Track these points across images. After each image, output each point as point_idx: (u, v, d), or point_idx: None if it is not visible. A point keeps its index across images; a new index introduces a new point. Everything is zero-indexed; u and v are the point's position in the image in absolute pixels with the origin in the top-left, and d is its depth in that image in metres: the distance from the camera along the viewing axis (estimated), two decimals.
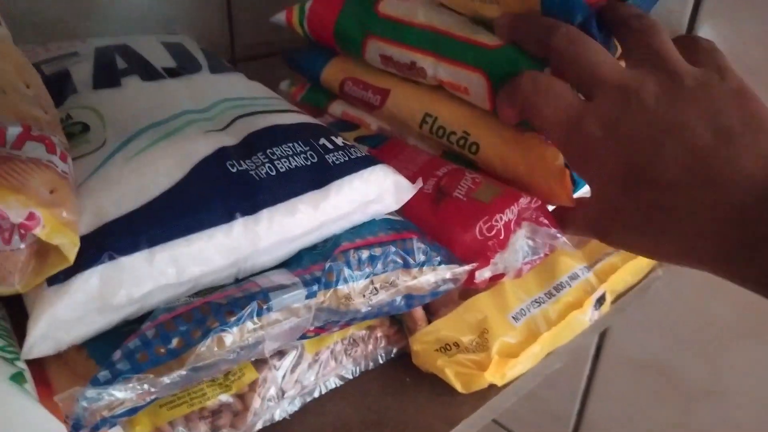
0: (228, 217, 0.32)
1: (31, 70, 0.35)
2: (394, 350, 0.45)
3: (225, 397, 0.37)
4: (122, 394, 0.27)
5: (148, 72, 0.41)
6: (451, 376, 0.40)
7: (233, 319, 0.31)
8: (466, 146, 0.48)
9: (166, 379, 0.29)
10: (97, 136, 0.36)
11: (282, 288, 0.33)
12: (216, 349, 0.30)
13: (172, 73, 0.42)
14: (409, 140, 0.54)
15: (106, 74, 0.41)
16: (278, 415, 0.39)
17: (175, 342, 0.30)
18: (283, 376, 0.39)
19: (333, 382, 0.42)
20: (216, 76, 0.43)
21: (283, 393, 0.39)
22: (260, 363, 0.39)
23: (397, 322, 0.45)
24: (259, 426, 0.38)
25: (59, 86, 0.39)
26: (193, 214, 0.32)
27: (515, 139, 0.46)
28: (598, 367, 0.68)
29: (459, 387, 0.41)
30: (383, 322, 0.44)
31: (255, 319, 0.31)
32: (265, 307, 0.32)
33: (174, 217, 0.31)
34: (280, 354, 0.39)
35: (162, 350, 0.29)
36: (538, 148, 0.45)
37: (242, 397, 0.38)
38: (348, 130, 0.55)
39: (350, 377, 0.43)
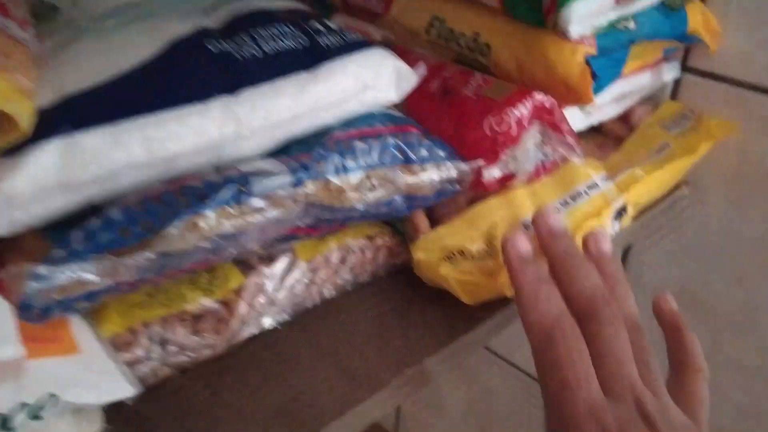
0: (204, 96, 0.29)
1: None
2: (395, 263, 0.42)
3: (208, 302, 0.34)
4: (77, 274, 0.25)
5: None
6: (455, 285, 0.37)
7: (208, 201, 0.28)
8: (477, 48, 0.45)
9: (129, 261, 0.26)
10: (67, 15, 0.33)
11: (265, 173, 0.30)
12: (189, 234, 0.27)
13: None
14: (417, 50, 0.50)
15: None
16: (267, 324, 0.36)
17: (142, 224, 0.27)
18: (273, 283, 0.36)
19: (328, 293, 0.39)
20: None
21: (273, 301, 0.36)
22: (247, 268, 0.36)
23: (399, 233, 0.41)
24: (245, 334, 0.36)
25: None
26: (166, 91, 0.29)
27: (530, 36, 0.42)
28: None
29: (465, 298, 0.37)
30: (383, 232, 0.41)
31: (234, 204, 0.28)
32: (245, 191, 0.29)
33: (143, 93, 0.28)
34: (270, 259, 0.36)
35: (127, 232, 0.26)
36: (555, 44, 0.41)
37: (227, 304, 0.35)
38: None
39: (348, 288, 0.40)
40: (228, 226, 0.28)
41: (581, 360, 0.31)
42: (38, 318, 0.25)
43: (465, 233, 0.38)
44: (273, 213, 0.30)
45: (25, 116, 0.25)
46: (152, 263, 0.27)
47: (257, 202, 0.29)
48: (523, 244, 0.36)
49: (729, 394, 0.60)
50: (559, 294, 0.34)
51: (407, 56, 0.45)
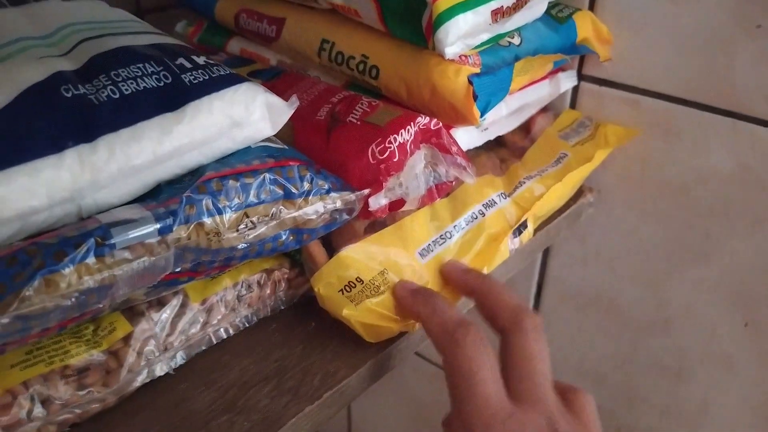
0: (57, 147, 0.28)
1: None
2: (297, 295, 0.41)
3: (95, 354, 0.33)
4: None
5: None
6: (358, 328, 0.37)
7: (65, 259, 0.27)
8: (366, 70, 0.44)
9: None
10: None
11: (128, 222, 0.29)
12: (46, 294, 0.26)
13: (15, 1, 0.37)
14: (311, 73, 0.50)
15: None
16: (159, 370, 0.35)
17: None
18: (163, 328, 0.35)
19: (226, 332, 0.38)
20: (68, 3, 0.39)
21: (166, 347, 0.35)
22: (135, 315, 0.35)
23: (298, 264, 0.41)
24: (137, 383, 0.34)
25: None
26: (14, 145, 0.28)
27: (415, 58, 0.42)
28: (541, 305, 0.66)
29: (368, 338, 0.37)
30: (281, 264, 0.40)
31: (94, 258, 0.27)
32: (105, 244, 0.28)
33: None
34: (160, 304, 0.36)
35: None
36: (439, 66, 0.41)
37: (115, 354, 0.34)
38: (243, 66, 0.51)
39: (247, 325, 0.39)
40: (90, 281, 0.27)
41: (490, 363, 0.32)
42: None
43: (360, 262, 0.38)
44: (141, 262, 0.29)
45: None
46: (9, 327, 0.26)
47: (123, 253, 0.28)
48: (409, 283, 0.38)
49: (651, 397, 0.61)
50: (455, 306, 0.35)
51: (298, 82, 0.45)
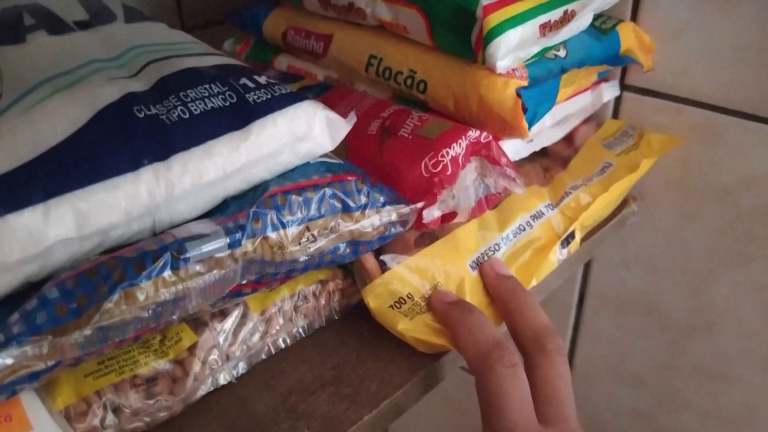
0: (134, 165, 0.30)
1: None
2: (350, 304, 0.42)
3: (162, 364, 0.35)
4: (15, 359, 0.25)
5: (56, 26, 0.38)
6: (412, 341, 0.38)
7: (144, 272, 0.28)
8: (414, 85, 0.45)
9: (67, 340, 0.26)
10: None
11: (201, 237, 0.30)
12: (125, 305, 0.28)
13: (83, 25, 0.39)
14: (358, 87, 0.51)
15: (10, 31, 0.37)
16: (223, 379, 0.36)
17: (77, 300, 0.27)
18: (226, 338, 0.37)
19: (284, 342, 0.39)
20: (132, 26, 0.40)
21: (228, 356, 0.37)
22: (200, 325, 0.36)
23: (351, 274, 0.42)
24: (202, 392, 0.36)
25: None
26: (94, 163, 0.29)
27: (463, 72, 0.43)
28: (584, 309, 0.66)
29: (421, 350, 0.38)
30: (335, 275, 0.41)
31: (170, 271, 0.29)
32: (181, 258, 0.29)
33: (71, 168, 0.29)
34: (222, 314, 0.37)
35: (63, 309, 0.27)
36: (487, 78, 0.42)
37: (181, 363, 0.35)
38: (292, 82, 0.52)
39: (303, 335, 0.40)
40: (166, 293, 0.29)
41: (520, 388, 0.32)
42: None
43: (411, 277, 0.39)
44: (212, 275, 0.30)
45: None
46: (91, 338, 0.27)
47: (196, 266, 0.30)
48: (447, 294, 0.39)
49: (692, 401, 0.61)
50: (491, 324, 0.36)
51: (347, 96, 0.46)
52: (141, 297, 0.28)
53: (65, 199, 0.28)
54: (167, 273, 0.29)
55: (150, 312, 0.29)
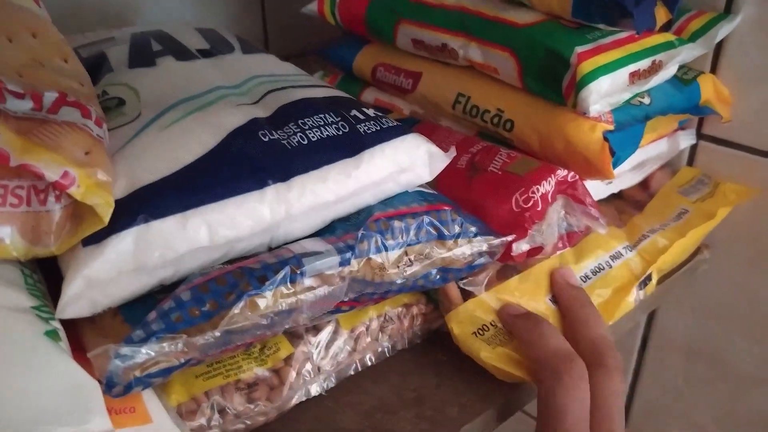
0: (260, 184, 0.32)
1: (68, 48, 0.36)
2: (431, 329, 0.44)
3: (261, 371, 0.37)
4: (155, 353, 0.27)
5: (182, 53, 0.42)
6: (493, 370, 0.39)
7: (267, 283, 0.30)
8: (501, 123, 0.48)
9: (199, 340, 0.28)
10: (132, 109, 0.36)
11: (315, 254, 0.32)
12: (249, 312, 0.30)
13: (205, 53, 0.42)
14: (443, 123, 0.53)
15: (142, 55, 0.41)
16: (314, 391, 0.38)
17: (208, 304, 0.29)
18: (319, 352, 0.39)
19: (369, 360, 0.41)
20: (248, 56, 0.44)
21: (319, 369, 0.39)
22: (296, 338, 0.38)
23: (433, 300, 0.44)
24: (295, 401, 0.38)
25: (96, 66, 0.40)
26: (226, 180, 0.32)
27: (551, 113, 0.45)
28: (646, 355, 0.66)
29: (501, 378, 0.40)
30: (419, 300, 0.43)
31: (288, 284, 0.31)
32: (298, 272, 0.31)
33: (206, 183, 0.31)
34: (316, 329, 0.39)
35: (196, 312, 0.29)
36: (574, 122, 0.44)
37: (278, 372, 0.37)
38: None
39: (387, 355, 0.42)
40: (283, 304, 0.31)
41: (583, 401, 0.34)
42: (120, 393, 0.27)
43: (495, 307, 0.41)
44: (322, 290, 0.33)
45: (105, 209, 0.29)
46: (217, 340, 0.29)
47: (309, 281, 0.32)
48: (515, 307, 0.41)
49: None
50: (560, 335, 0.37)
51: (435, 131, 0.49)
52: (262, 306, 0.30)
53: (200, 212, 0.31)
54: (286, 285, 0.31)
55: (268, 320, 0.31)
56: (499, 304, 0.41)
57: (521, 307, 0.41)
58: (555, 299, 0.42)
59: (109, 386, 0.27)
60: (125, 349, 0.27)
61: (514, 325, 0.39)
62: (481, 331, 0.40)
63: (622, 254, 0.47)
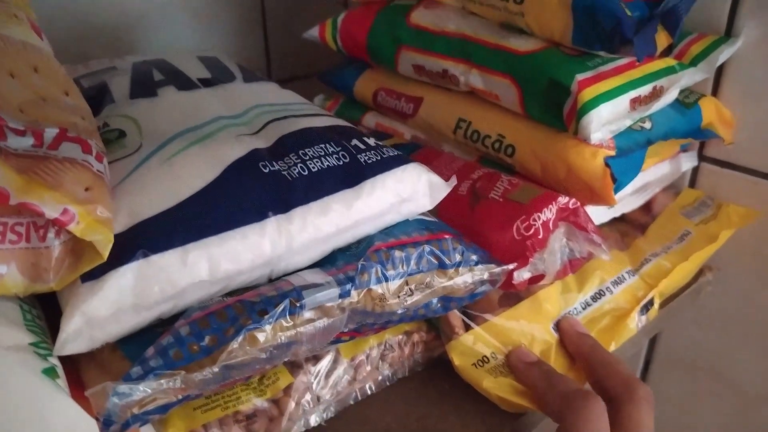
0: (260, 216, 0.32)
1: (70, 81, 0.36)
2: (432, 357, 0.44)
3: (260, 402, 0.36)
4: (154, 390, 0.27)
5: (184, 82, 0.42)
6: (496, 400, 0.39)
7: (266, 317, 0.30)
8: (502, 149, 0.48)
9: (198, 376, 0.28)
10: (132, 141, 0.36)
11: (315, 286, 0.32)
12: (248, 347, 0.30)
13: (206, 83, 0.43)
14: (444, 148, 0.54)
15: (143, 85, 0.41)
16: (314, 421, 0.38)
17: (208, 339, 0.29)
18: (318, 381, 0.38)
19: (370, 389, 0.41)
20: (249, 85, 0.44)
21: (319, 399, 0.38)
22: (295, 367, 0.38)
23: (435, 327, 0.43)
24: None
25: (97, 97, 0.40)
26: (226, 213, 0.32)
27: (552, 139, 0.45)
28: (650, 371, 0.66)
29: (504, 408, 0.39)
30: (420, 328, 0.43)
31: (288, 317, 0.31)
32: (298, 305, 0.31)
33: (207, 216, 0.31)
34: (315, 358, 0.39)
35: (195, 347, 0.29)
36: (576, 147, 0.44)
37: (277, 402, 0.37)
38: (381, 140, 0.55)
39: (387, 384, 0.42)
40: (282, 337, 0.31)
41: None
42: (118, 431, 0.27)
43: (496, 338, 0.41)
44: (322, 322, 0.32)
45: (105, 244, 0.29)
46: (216, 376, 0.29)
47: (308, 313, 0.32)
48: (526, 354, 0.40)
49: None
50: (573, 380, 0.37)
51: (436, 157, 0.49)
52: (261, 340, 0.30)
53: (201, 245, 0.31)
54: (285, 318, 0.31)
55: (267, 354, 0.31)
56: (500, 337, 0.41)
57: (532, 354, 0.41)
58: (563, 344, 0.42)
59: (106, 424, 0.26)
60: (123, 387, 0.26)
61: (525, 372, 0.39)
62: (481, 362, 0.40)
63: (624, 278, 0.46)
